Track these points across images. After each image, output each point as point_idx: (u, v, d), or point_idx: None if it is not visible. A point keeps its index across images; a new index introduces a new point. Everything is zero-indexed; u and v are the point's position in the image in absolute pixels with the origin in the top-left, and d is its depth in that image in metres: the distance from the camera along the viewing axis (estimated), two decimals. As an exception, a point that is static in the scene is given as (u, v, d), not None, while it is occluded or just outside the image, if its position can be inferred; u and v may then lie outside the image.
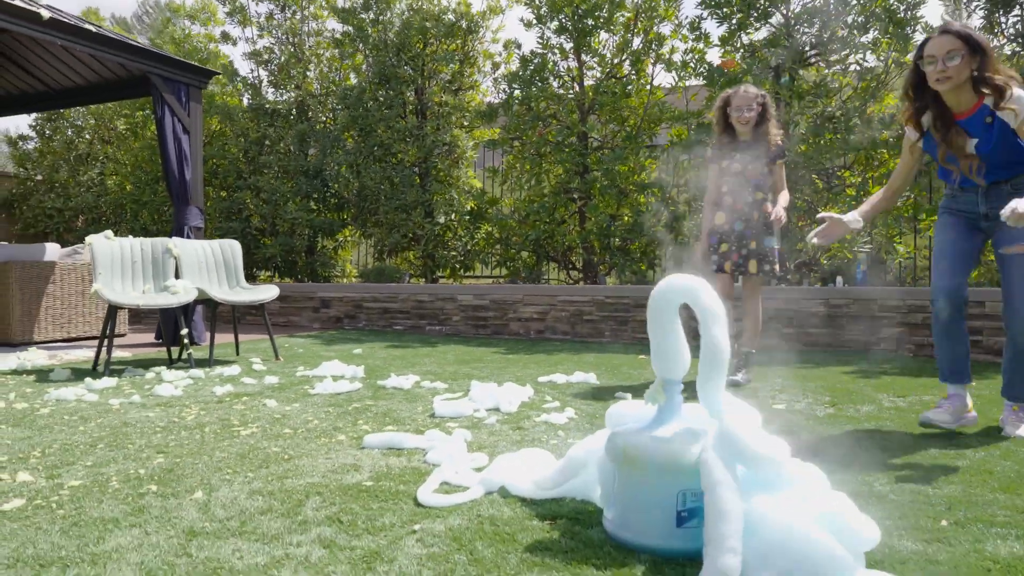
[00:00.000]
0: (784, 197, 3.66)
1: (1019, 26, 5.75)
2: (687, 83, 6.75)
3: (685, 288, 1.60)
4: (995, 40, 5.95)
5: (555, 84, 7.14)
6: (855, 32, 5.93)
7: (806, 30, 6.17)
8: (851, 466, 2.23)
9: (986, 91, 2.37)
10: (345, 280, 8.86)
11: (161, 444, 2.49)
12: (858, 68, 6.06)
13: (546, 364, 4.62)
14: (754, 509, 1.36)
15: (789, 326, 5.51)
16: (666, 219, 6.60)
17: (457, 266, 7.86)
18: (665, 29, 6.78)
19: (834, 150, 5.89)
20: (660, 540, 1.55)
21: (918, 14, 5.83)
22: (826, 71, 6.20)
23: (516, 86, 7.17)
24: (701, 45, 6.60)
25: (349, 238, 8.81)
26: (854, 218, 2.60)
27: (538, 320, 6.37)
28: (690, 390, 1.71)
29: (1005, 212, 2.17)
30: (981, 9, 5.92)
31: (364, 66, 8.05)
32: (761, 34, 6.36)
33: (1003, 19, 5.85)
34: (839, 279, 5.60)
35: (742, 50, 6.50)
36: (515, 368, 4.42)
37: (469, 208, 7.72)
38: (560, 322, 6.28)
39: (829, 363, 4.66)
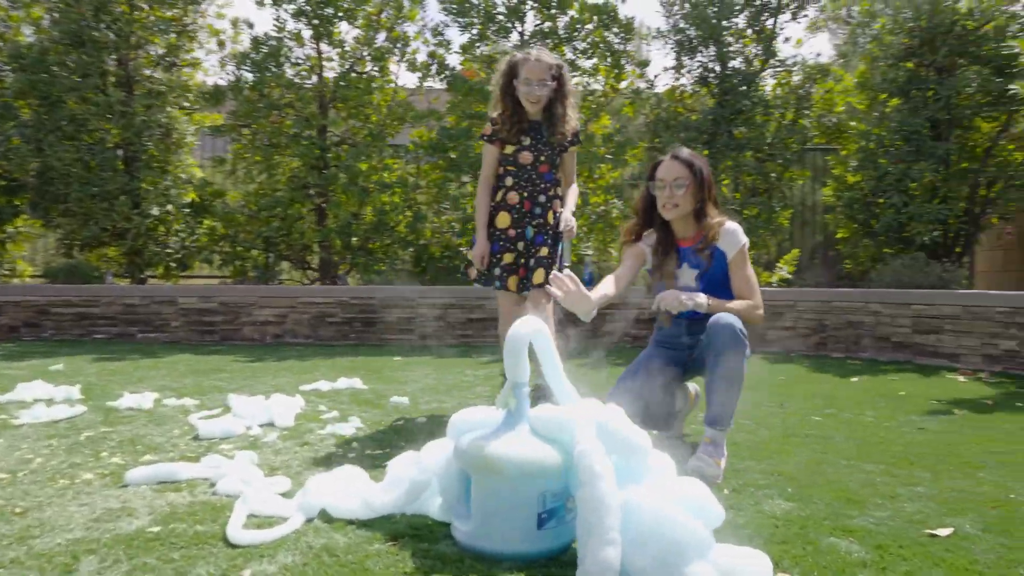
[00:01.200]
0: (574, 194, 2.96)
1: (700, 70, 6.92)
2: (427, 85, 6.83)
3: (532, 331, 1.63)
4: (681, 79, 7.08)
5: (291, 72, 6.69)
6: (581, 56, 6.58)
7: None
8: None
9: (703, 224, 2.37)
10: (18, 280, 7.24)
11: None
12: (583, 89, 6.73)
13: (300, 371, 4.29)
14: (629, 499, 1.40)
15: (528, 323, 5.89)
16: (409, 219, 6.60)
17: (172, 265, 6.93)
18: (409, 30, 6.78)
19: (563, 162, 6.45)
20: (523, 545, 1.52)
21: (629, 48, 6.67)
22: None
23: (247, 68, 6.56)
24: (442, 51, 6.74)
25: (23, 229, 7.22)
26: (590, 309, 2.16)
27: (276, 324, 5.90)
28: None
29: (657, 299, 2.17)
30: (673, 50, 6.99)
31: (47, 21, 6.66)
32: (499, 48, 6.70)
33: (688, 61, 6.97)
34: (570, 280, 6.15)
35: (480, 61, 6.79)
36: (266, 376, 4.03)
37: (189, 200, 6.85)
38: (301, 325, 5.90)
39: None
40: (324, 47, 6.71)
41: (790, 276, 6.81)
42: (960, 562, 1.57)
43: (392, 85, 6.83)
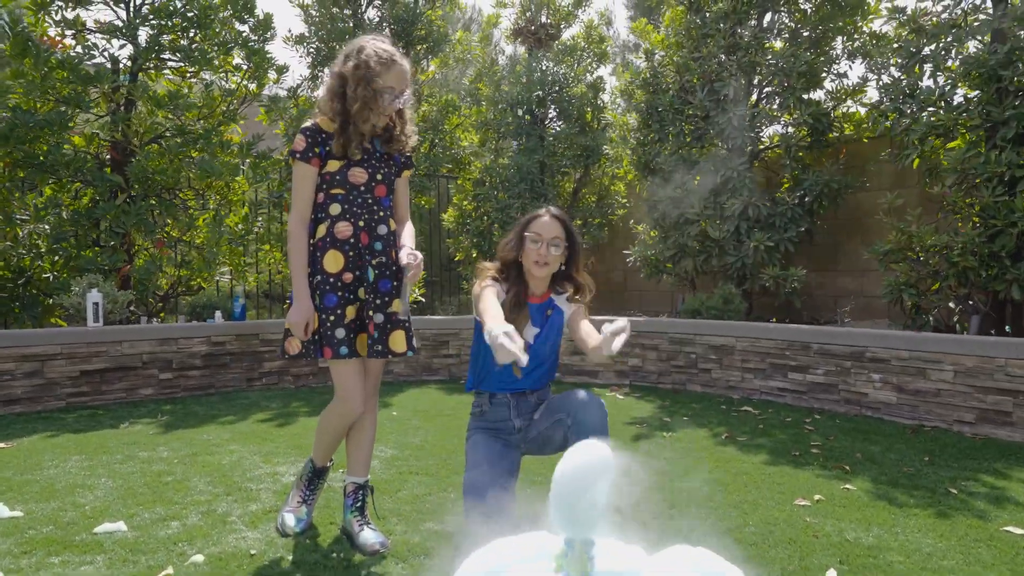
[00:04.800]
0: (411, 231, 2.33)
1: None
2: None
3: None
4: (318, 91, 6.65)
5: None
6: (211, 50, 5.54)
7: (153, 27, 5.39)
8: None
9: (566, 287, 2.32)
10: None
11: None
12: (219, 87, 5.72)
13: None
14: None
15: (167, 370, 4.76)
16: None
17: None
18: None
19: (195, 172, 5.38)
20: None
21: (267, 48, 5.94)
22: (180, 82, 5.59)
23: None
24: None
25: None
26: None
27: None
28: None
29: (606, 333, 1.99)
30: (310, 58, 6.49)
31: None
32: (101, 15, 5.22)
33: (326, 73, 6.59)
34: (218, 314, 5.16)
35: (64, 26, 5.19)
36: None
37: None
38: None
39: (247, 411, 4.29)
40: None
41: (422, 299, 7.03)
42: None
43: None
